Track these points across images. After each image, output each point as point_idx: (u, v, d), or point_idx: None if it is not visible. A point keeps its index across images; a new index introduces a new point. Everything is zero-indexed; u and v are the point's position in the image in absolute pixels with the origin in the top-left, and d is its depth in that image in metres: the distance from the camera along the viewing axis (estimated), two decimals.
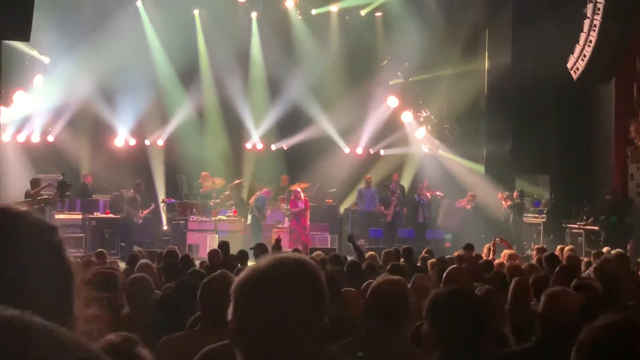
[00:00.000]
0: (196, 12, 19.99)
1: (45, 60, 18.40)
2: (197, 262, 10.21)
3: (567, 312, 3.47)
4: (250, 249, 10.54)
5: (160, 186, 19.43)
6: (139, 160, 19.09)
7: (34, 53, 18.05)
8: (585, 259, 10.25)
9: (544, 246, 13.00)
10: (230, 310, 1.64)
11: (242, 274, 1.65)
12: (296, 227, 17.23)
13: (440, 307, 2.79)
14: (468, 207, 18.77)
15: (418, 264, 10.03)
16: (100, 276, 5.29)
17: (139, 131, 19.44)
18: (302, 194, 17.39)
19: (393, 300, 3.39)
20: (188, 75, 19.74)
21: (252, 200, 18.34)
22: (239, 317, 1.62)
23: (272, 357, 1.59)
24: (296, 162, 20.09)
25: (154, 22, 19.52)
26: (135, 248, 13.54)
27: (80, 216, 16.70)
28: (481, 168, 19.76)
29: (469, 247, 11.20)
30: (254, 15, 20.40)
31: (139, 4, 19.53)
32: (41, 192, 15.20)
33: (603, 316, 1.68)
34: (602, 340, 1.64)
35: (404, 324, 3.51)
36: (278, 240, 11.93)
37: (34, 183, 15.59)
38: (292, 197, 17.51)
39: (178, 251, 10.51)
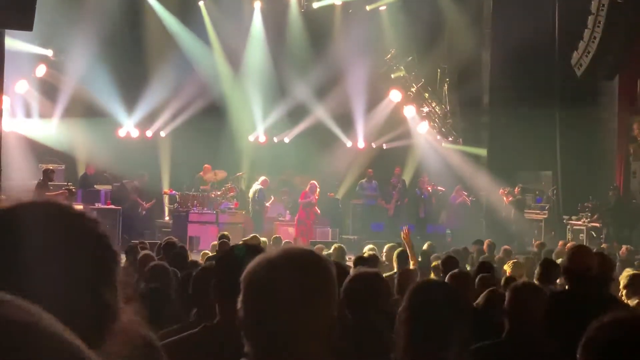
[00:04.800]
0: (201, 3, 19.92)
1: (49, 53, 18.30)
2: (195, 255, 10.17)
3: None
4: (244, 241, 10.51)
5: (164, 178, 19.40)
6: (141, 151, 19.00)
7: (36, 46, 17.85)
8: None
9: (544, 242, 12.99)
10: (240, 298, 1.63)
11: (252, 263, 1.65)
12: (305, 220, 17.15)
13: (417, 294, 2.91)
14: (465, 200, 18.70)
15: (419, 259, 10.01)
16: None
17: (143, 122, 19.39)
18: (317, 189, 17.29)
19: None
20: (193, 65, 19.73)
21: (250, 193, 18.32)
22: (248, 306, 1.62)
23: (279, 347, 1.58)
24: (298, 155, 20.03)
25: (166, 14, 19.52)
26: (135, 240, 13.48)
27: (81, 207, 16.56)
28: (484, 152, 19.70)
29: (478, 243, 11.09)
30: (257, 5, 20.30)
31: None
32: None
33: (610, 313, 1.63)
34: (614, 338, 1.59)
35: None
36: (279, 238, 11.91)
37: (46, 174, 15.44)
38: (306, 190, 17.40)
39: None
